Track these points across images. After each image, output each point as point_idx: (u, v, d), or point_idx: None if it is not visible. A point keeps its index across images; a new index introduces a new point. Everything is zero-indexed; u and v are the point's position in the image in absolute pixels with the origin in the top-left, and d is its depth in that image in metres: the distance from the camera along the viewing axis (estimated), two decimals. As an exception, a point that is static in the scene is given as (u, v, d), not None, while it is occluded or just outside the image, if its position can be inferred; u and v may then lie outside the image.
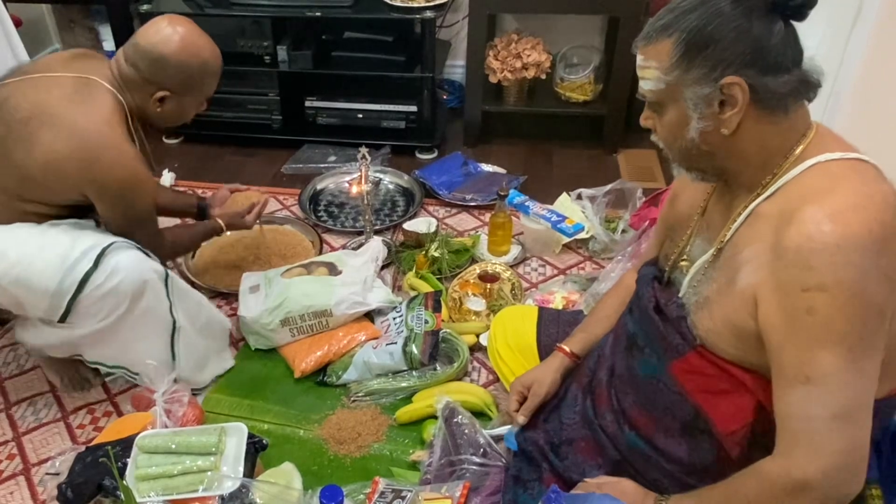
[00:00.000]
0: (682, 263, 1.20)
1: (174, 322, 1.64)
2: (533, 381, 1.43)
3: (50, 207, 1.56)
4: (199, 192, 2.28)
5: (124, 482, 1.31)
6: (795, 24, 1.01)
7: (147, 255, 1.58)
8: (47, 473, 1.59)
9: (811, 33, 1.76)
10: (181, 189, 2.23)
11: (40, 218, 1.56)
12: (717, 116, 1.01)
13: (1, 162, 1.50)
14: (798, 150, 1.02)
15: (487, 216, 2.35)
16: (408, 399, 1.76)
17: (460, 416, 1.54)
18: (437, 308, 1.91)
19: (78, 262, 1.47)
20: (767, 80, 0.98)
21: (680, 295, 1.16)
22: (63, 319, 1.51)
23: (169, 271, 1.62)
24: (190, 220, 2.15)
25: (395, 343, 1.81)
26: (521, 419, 1.42)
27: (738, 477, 1.06)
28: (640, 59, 1.06)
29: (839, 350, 0.93)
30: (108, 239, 1.53)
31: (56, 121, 1.46)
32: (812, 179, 0.98)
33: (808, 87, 1.01)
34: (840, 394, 0.95)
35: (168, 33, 1.54)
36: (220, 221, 1.95)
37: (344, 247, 2.32)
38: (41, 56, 1.67)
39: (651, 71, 1.04)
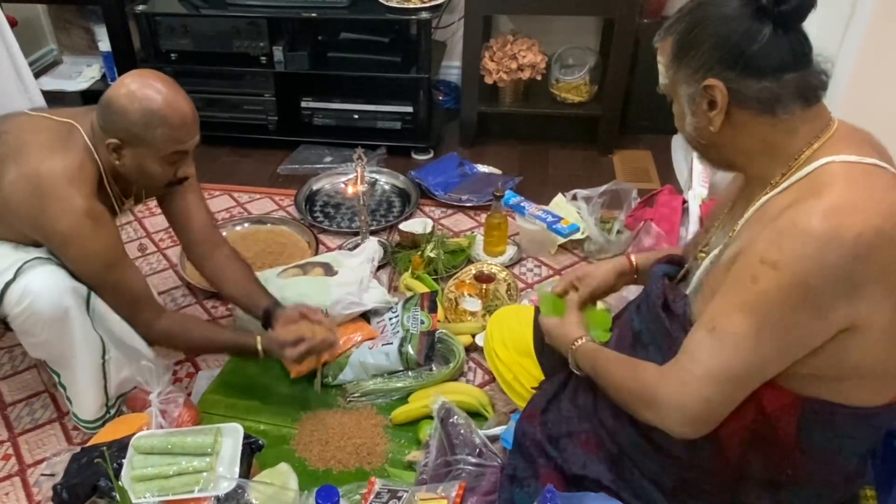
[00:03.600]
0: (700, 255, 1.21)
1: (102, 341, 1.58)
2: (585, 274, 1.47)
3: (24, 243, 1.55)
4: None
5: (120, 483, 1.31)
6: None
7: (70, 274, 1.51)
8: (42, 474, 1.58)
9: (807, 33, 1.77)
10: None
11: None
12: (706, 114, 1.05)
13: None
14: (812, 149, 1.02)
15: (483, 217, 2.35)
16: (404, 399, 1.76)
17: (456, 417, 1.54)
18: (432, 308, 1.91)
19: (3, 272, 1.47)
20: (749, 84, 1.00)
21: (688, 291, 1.18)
22: (9, 327, 1.49)
23: (92, 292, 1.54)
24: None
25: (391, 343, 1.81)
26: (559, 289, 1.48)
27: (627, 363, 1.18)
28: (658, 53, 1.12)
29: (752, 319, 0.97)
30: (37, 253, 1.50)
31: (24, 162, 1.45)
32: (823, 177, 0.98)
33: (806, 88, 1.01)
34: (728, 355, 1.00)
35: (125, 81, 1.46)
36: (259, 345, 1.63)
37: (340, 247, 2.32)
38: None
39: (661, 66, 1.11)
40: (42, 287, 1.47)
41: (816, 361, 0.99)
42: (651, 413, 1.09)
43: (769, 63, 0.99)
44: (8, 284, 1.46)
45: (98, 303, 1.56)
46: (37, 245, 1.54)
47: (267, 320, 1.71)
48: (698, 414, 1.03)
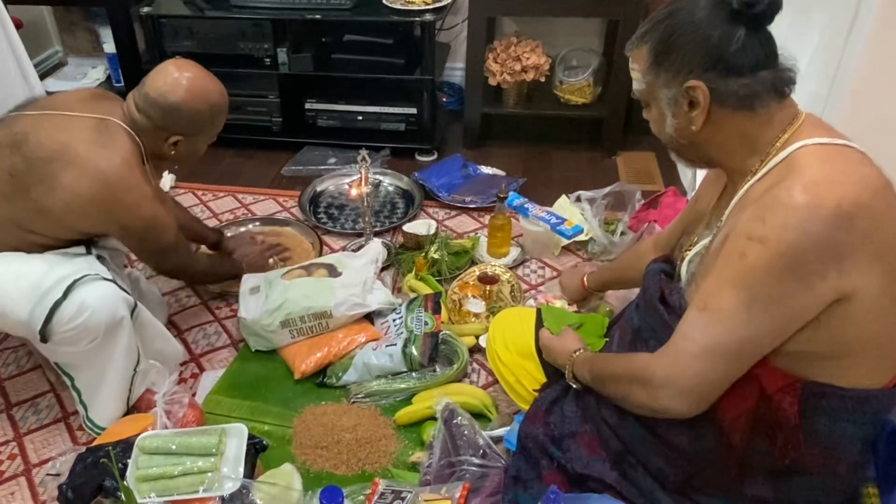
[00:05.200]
0: (687, 253, 1.24)
1: (138, 352, 1.63)
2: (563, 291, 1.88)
3: (57, 241, 1.57)
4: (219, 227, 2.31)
5: (125, 483, 1.32)
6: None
7: (120, 287, 1.55)
8: (48, 474, 1.59)
9: (809, 37, 1.77)
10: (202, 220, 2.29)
11: (41, 248, 1.57)
12: (686, 115, 1.09)
13: (17, 195, 1.51)
14: (785, 136, 1.07)
15: (487, 218, 2.36)
16: (407, 400, 1.76)
17: (460, 418, 1.54)
18: (436, 310, 1.92)
19: (49, 291, 1.46)
20: (729, 82, 1.05)
21: (681, 284, 1.20)
22: (45, 342, 1.50)
23: (138, 302, 1.61)
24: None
25: (395, 345, 1.82)
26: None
27: (621, 355, 1.24)
28: (630, 61, 1.16)
29: (742, 294, 1.00)
30: (83, 270, 1.51)
31: (79, 162, 1.48)
32: (798, 158, 1.03)
33: (780, 83, 1.07)
34: (720, 330, 1.03)
35: (176, 81, 1.56)
36: (241, 264, 2.05)
37: (344, 248, 2.33)
38: (58, 92, 1.71)
39: (635, 73, 1.15)
40: (100, 301, 1.49)
41: (812, 336, 1.01)
42: (645, 393, 1.10)
43: (746, 62, 1.04)
44: (58, 304, 1.45)
45: (140, 313, 1.62)
46: (65, 245, 1.57)
47: (217, 246, 2.11)
48: (691, 388, 1.05)
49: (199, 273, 1.98)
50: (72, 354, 1.55)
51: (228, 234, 2.23)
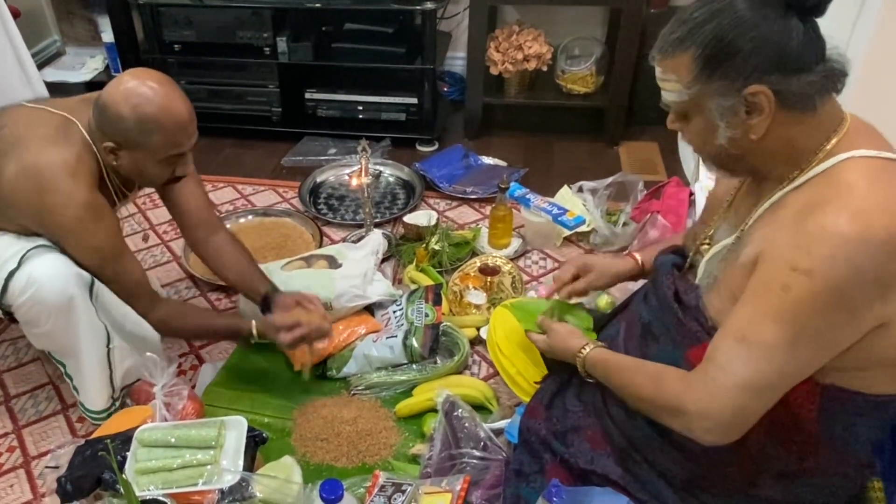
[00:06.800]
0: (703, 247, 1.21)
1: (106, 329, 1.57)
2: (589, 270, 1.50)
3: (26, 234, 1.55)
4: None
5: (124, 476, 1.31)
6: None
7: (77, 263, 1.50)
8: (47, 466, 1.58)
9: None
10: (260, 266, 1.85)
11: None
12: (744, 123, 1.00)
13: None
14: (830, 145, 1.00)
15: (488, 209, 2.35)
16: (408, 392, 1.75)
17: (461, 410, 1.54)
18: (437, 301, 1.91)
19: (7, 261, 1.45)
20: (792, 83, 0.97)
21: (697, 280, 1.17)
22: (13, 321, 1.48)
23: (96, 280, 1.53)
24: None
25: (396, 336, 1.81)
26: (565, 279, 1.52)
27: (645, 371, 1.15)
28: (658, 71, 1.06)
29: (788, 329, 0.95)
30: (40, 241, 1.49)
31: (23, 158, 1.45)
32: (844, 174, 0.97)
33: (834, 78, 0.99)
34: (762, 365, 0.98)
35: (121, 82, 1.44)
36: (254, 330, 1.66)
37: (344, 240, 2.31)
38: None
39: (672, 84, 1.04)
40: (47, 275, 1.46)
41: (841, 355, 0.99)
42: (678, 422, 1.06)
43: (807, 57, 0.96)
44: (12, 273, 1.45)
45: (102, 291, 1.56)
46: (39, 235, 1.53)
47: (266, 306, 1.71)
48: (730, 422, 1.01)
49: (164, 317, 1.65)
50: (45, 337, 1.54)
51: (283, 295, 1.73)
